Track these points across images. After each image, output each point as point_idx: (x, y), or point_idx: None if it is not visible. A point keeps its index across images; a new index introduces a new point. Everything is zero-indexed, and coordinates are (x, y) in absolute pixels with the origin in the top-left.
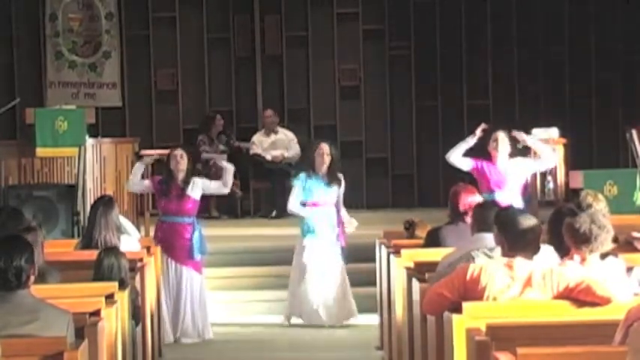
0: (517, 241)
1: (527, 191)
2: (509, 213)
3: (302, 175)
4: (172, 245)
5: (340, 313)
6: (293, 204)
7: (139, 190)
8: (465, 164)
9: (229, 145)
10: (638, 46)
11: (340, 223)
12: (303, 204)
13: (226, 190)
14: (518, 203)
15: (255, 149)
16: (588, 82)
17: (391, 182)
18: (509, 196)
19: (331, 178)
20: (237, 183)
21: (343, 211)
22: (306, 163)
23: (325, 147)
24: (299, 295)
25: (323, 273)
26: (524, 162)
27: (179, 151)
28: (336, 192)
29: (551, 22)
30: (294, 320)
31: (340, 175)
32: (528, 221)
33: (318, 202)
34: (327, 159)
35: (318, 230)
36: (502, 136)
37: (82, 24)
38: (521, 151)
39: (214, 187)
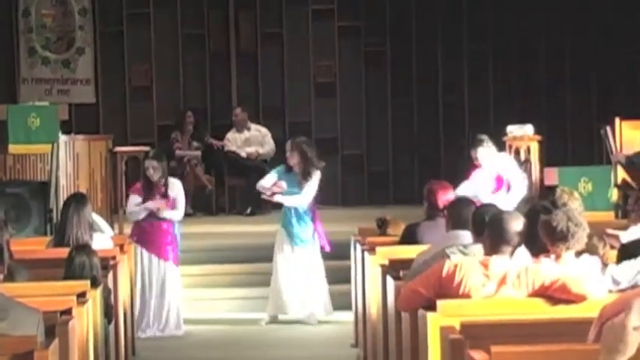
0: (503, 243)
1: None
2: (498, 214)
3: (280, 168)
4: (154, 243)
5: (312, 309)
6: (262, 181)
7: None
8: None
9: (203, 142)
10: (612, 42)
11: (315, 218)
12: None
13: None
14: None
15: (230, 146)
16: (563, 78)
17: (366, 179)
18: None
19: (304, 176)
20: (210, 179)
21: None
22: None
23: (287, 145)
24: (277, 290)
25: (298, 269)
26: (509, 169)
27: (150, 162)
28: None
29: (527, 18)
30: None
31: (313, 172)
32: (517, 223)
33: None
34: (292, 155)
35: (294, 227)
36: (480, 151)
37: (56, 20)
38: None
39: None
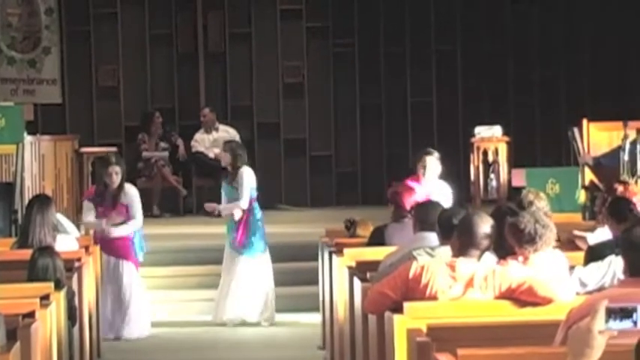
0: (472, 245)
1: None
2: (469, 217)
3: (224, 181)
4: (114, 246)
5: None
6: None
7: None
8: None
9: (170, 143)
10: (580, 43)
11: (241, 223)
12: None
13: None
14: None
15: (197, 147)
16: (531, 80)
17: (335, 180)
18: None
19: (232, 179)
20: (180, 180)
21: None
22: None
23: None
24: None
25: (234, 272)
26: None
27: (114, 168)
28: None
29: (494, 20)
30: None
31: (243, 167)
32: (487, 225)
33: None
34: (224, 156)
35: (230, 230)
36: (431, 160)
37: (21, 19)
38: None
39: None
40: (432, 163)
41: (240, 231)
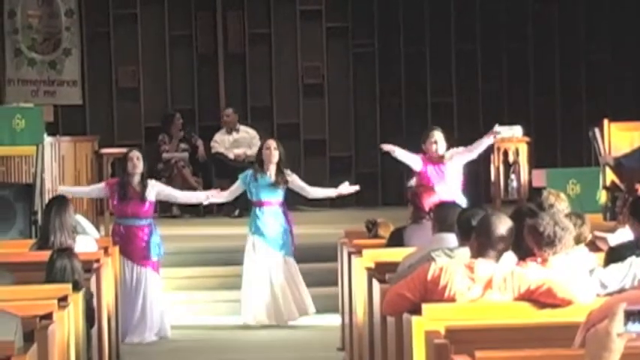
0: (491, 246)
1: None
2: (487, 218)
3: (248, 173)
4: (130, 247)
5: (290, 312)
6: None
7: (93, 196)
8: (416, 164)
9: (190, 144)
10: (601, 43)
11: (288, 221)
12: (250, 203)
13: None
14: (459, 199)
15: (217, 148)
16: (552, 80)
17: (355, 181)
18: (450, 191)
19: (277, 178)
20: (199, 181)
21: (320, 190)
22: (257, 161)
23: (272, 142)
24: (247, 296)
25: (270, 272)
26: (458, 151)
27: (135, 153)
28: (282, 191)
29: (515, 19)
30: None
31: (287, 172)
32: (505, 226)
33: (263, 202)
34: (275, 153)
35: (265, 229)
36: (440, 134)
37: (42, 21)
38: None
39: (171, 194)
40: (442, 136)
41: (292, 233)
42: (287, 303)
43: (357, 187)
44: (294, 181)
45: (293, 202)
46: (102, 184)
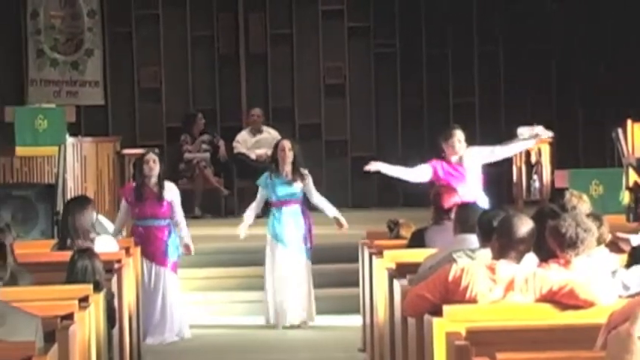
0: (512, 247)
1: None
2: (508, 219)
3: (264, 177)
4: (149, 247)
5: (307, 313)
6: (249, 209)
7: (129, 216)
8: (424, 175)
9: (212, 145)
10: (624, 43)
11: (307, 221)
12: (269, 204)
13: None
14: (481, 198)
15: (239, 148)
16: (574, 80)
17: (376, 181)
18: (471, 191)
19: (294, 176)
20: (221, 181)
21: (324, 202)
22: (273, 161)
23: (286, 143)
24: (269, 297)
25: (288, 274)
26: (479, 151)
27: (151, 156)
28: (300, 190)
29: (538, 19)
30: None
31: (304, 171)
32: (526, 228)
33: (282, 202)
34: (290, 154)
35: (283, 230)
36: (460, 134)
37: (64, 21)
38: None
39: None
40: (463, 136)
41: (310, 234)
42: (298, 304)
43: (346, 227)
44: (309, 183)
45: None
46: (122, 204)
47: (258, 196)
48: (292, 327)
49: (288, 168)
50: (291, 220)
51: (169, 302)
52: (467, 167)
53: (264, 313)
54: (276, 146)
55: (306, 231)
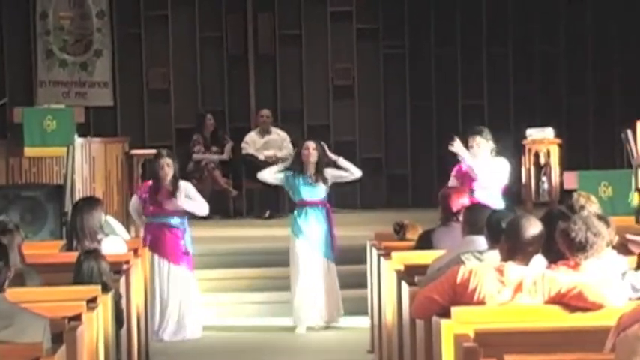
0: (520, 249)
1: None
2: (516, 220)
3: (288, 172)
4: (163, 245)
5: (328, 314)
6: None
7: (140, 211)
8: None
9: (221, 146)
10: (634, 44)
11: (331, 223)
12: (292, 204)
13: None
14: (497, 202)
15: (248, 149)
16: (584, 81)
17: (385, 182)
18: (487, 194)
19: (317, 177)
20: (228, 182)
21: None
22: (296, 162)
23: (311, 143)
24: (295, 300)
25: (312, 274)
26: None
27: (165, 160)
28: (324, 191)
29: (546, 20)
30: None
31: (327, 171)
32: (535, 229)
33: (305, 202)
34: (314, 153)
35: (306, 230)
36: (477, 139)
37: (73, 22)
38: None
39: (193, 203)
40: (482, 142)
41: (333, 236)
42: (328, 305)
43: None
44: (333, 173)
45: None
46: (134, 199)
47: (275, 169)
48: (318, 328)
49: (311, 167)
50: (314, 221)
51: (183, 299)
52: (480, 171)
53: (290, 314)
54: (300, 147)
55: (330, 234)
